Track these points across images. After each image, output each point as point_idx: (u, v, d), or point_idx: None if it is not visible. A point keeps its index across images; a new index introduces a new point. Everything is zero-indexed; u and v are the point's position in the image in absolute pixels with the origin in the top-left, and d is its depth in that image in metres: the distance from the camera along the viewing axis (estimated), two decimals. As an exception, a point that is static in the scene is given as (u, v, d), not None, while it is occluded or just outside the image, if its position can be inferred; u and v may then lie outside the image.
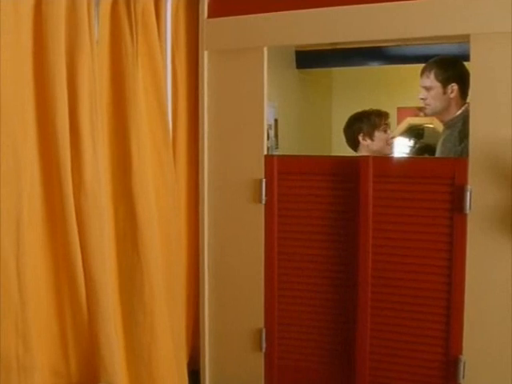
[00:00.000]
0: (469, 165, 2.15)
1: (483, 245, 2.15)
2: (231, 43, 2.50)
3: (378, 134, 2.93)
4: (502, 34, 2.08)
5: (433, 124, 3.58)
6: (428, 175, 2.24)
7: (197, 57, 2.54)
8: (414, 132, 3.84)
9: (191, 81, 2.57)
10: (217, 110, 2.54)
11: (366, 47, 3.01)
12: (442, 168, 2.22)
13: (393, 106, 3.48)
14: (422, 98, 2.63)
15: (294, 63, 3.28)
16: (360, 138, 2.92)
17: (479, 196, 2.15)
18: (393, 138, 2.98)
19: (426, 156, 3.48)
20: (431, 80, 2.57)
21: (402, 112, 3.59)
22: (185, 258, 2.59)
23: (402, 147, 3.92)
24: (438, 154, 2.64)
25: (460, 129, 2.45)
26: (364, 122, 2.93)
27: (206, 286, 2.63)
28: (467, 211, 2.16)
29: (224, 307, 2.61)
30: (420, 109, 3.59)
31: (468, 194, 2.15)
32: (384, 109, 3.00)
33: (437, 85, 2.57)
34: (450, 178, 2.19)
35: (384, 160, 2.47)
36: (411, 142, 3.98)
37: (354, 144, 2.96)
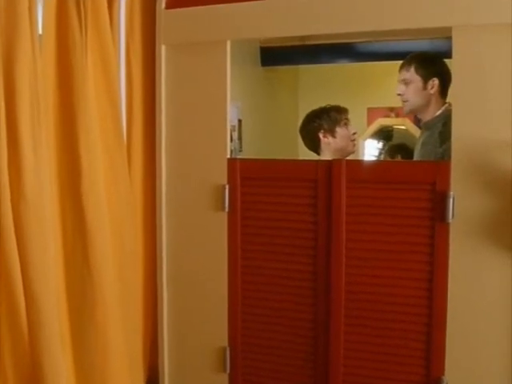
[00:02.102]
0: (451, 169, 2.02)
1: (467, 257, 2.03)
2: (191, 36, 2.35)
3: (339, 130, 2.82)
4: (486, 27, 1.96)
5: (405, 125, 3.51)
6: (407, 180, 2.11)
7: (153, 51, 2.41)
8: (383, 134, 3.76)
9: (147, 78, 2.44)
10: (175, 109, 2.41)
11: (335, 43, 3.00)
12: (421, 172, 2.10)
13: (363, 106, 3.51)
14: (400, 94, 2.53)
15: (259, 60, 3.22)
16: (321, 136, 2.82)
17: (463, 203, 2.02)
18: (355, 133, 2.86)
19: (399, 157, 3.40)
20: (411, 73, 2.49)
21: (373, 113, 3.60)
22: (141, 272, 2.46)
23: (371, 150, 3.82)
24: (416, 157, 2.54)
25: (440, 130, 2.37)
26: (323, 119, 2.83)
27: (165, 302, 2.49)
28: (449, 220, 2.03)
29: (184, 324, 2.48)
30: (391, 109, 3.56)
31: (450, 200, 2.02)
32: (353, 109, 2.92)
33: (417, 78, 2.48)
34: (430, 183, 2.06)
35: (358, 164, 2.37)
36: (380, 145, 3.89)
37: (313, 144, 2.86)
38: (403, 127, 3.55)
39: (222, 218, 2.35)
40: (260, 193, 2.32)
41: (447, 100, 2.46)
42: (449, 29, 2.00)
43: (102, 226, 2.10)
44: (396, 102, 3.33)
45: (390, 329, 2.16)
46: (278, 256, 2.31)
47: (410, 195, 2.10)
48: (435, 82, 2.44)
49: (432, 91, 2.45)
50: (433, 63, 2.49)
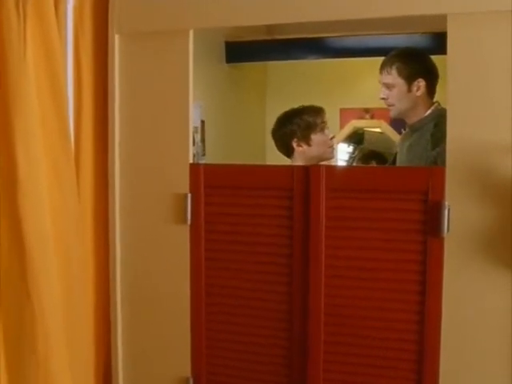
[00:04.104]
0: (446, 176, 1.87)
1: (464, 276, 1.89)
2: (149, 25, 2.20)
3: (314, 138, 2.62)
4: (484, 15, 1.82)
5: (381, 128, 3.44)
6: (395, 189, 1.96)
7: (106, 42, 2.27)
8: (354, 137, 3.72)
9: (99, 72, 2.29)
10: (130, 108, 2.27)
11: (307, 38, 2.97)
12: (412, 180, 1.94)
13: (335, 106, 3.52)
14: (384, 98, 2.40)
15: (224, 56, 3.19)
16: (294, 145, 2.62)
17: (459, 215, 1.87)
18: (333, 137, 2.69)
19: (374, 164, 3.33)
20: (393, 76, 2.36)
21: (346, 114, 3.60)
22: (91, 294, 2.29)
23: (341, 154, 3.75)
24: (401, 161, 2.41)
25: (432, 131, 2.27)
26: (296, 124, 2.62)
27: (119, 328, 2.33)
28: (444, 234, 1.88)
29: (142, 352, 2.31)
30: (366, 110, 3.49)
31: (445, 212, 1.87)
32: (326, 110, 2.72)
33: (400, 82, 2.36)
34: (422, 192, 1.90)
35: (340, 170, 2.23)
36: (350, 149, 3.82)
37: (286, 150, 2.67)
38: (378, 130, 3.49)
39: (184, 232, 2.20)
40: (227, 203, 2.18)
41: (435, 99, 2.38)
42: (443, 18, 1.86)
43: (44, 244, 1.94)
44: (371, 103, 3.37)
45: (376, 357, 2.01)
46: (248, 275, 2.16)
47: (398, 206, 1.96)
48: (421, 83, 2.32)
49: (418, 93, 2.34)
50: (416, 61, 2.37)
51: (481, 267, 1.87)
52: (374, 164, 3.40)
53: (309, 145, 2.61)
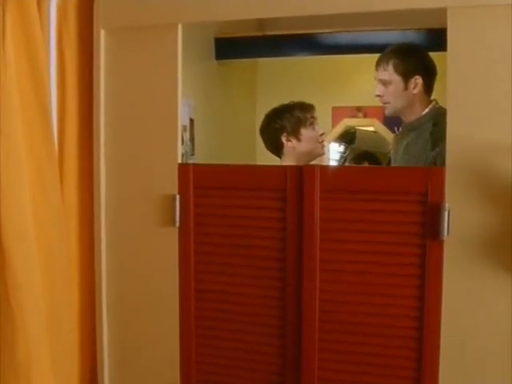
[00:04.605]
0: (446, 176, 1.81)
1: (464, 281, 1.82)
2: (136, 19, 2.13)
3: (305, 132, 2.57)
4: (486, 8, 1.76)
5: (374, 127, 3.41)
6: (393, 190, 1.88)
7: (91, 37, 2.21)
8: (346, 136, 3.69)
9: (84, 69, 2.24)
10: (116, 106, 2.20)
11: (298, 34, 2.93)
12: (410, 180, 1.87)
13: (327, 105, 3.48)
14: (379, 95, 2.33)
15: (213, 53, 3.14)
16: (283, 140, 2.57)
17: (459, 217, 1.80)
18: (323, 134, 2.64)
19: (366, 164, 3.30)
20: (389, 73, 2.29)
21: (338, 112, 3.54)
22: (76, 299, 2.25)
23: (333, 154, 3.71)
24: (398, 162, 2.34)
25: (431, 130, 2.20)
26: (286, 119, 2.58)
27: (105, 336, 2.27)
28: (444, 237, 1.82)
29: (128, 361, 2.25)
30: (359, 109, 3.45)
31: (445, 214, 1.80)
32: (317, 108, 2.69)
33: (396, 78, 2.28)
34: (421, 193, 1.83)
35: (335, 170, 2.14)
36: (341, 148, 3.78)
37: (275, 147, 2.62)
38: (371, 128, 3.44)
39: (172, 235, 2.14)
40: (217, 204, 2.11)
41: (433, 96, 2.31)
42: (441, 12, 1.79)
43: (25, 249, 1.89)
44: (364, 101, 3.32)
45: (374, 365, 1.94)
46: (239, 280, 2.09)
47: (396, 207, 1.89)
48: (418, 80, 2.25)
49: (415, 91, 2.27)
50: (414, 57, 2.30)
51: (482, 272, 1.81)
52: (366, 164, 3.35)
53: (299, 140, 2.56)
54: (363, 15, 1.96)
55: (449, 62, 1.81)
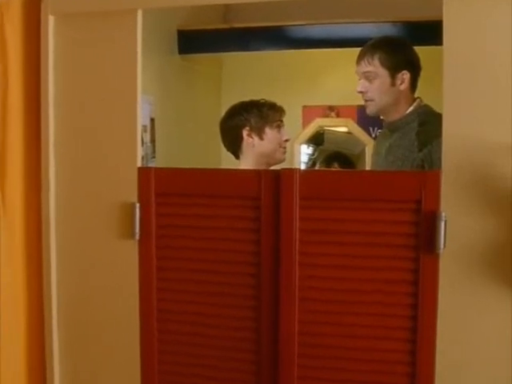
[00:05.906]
0: (442, 181, 1.69)
1: (462, 298, 1.72)
2: (89, 4, 1.99)
3: (269, 132, 2.47)
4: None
5: (347, 127, 3.38)
6: (382, 197, 1.76)
7: (38, 24, 2.06)
8: (315, 137, 3.70)
9: (29, 60, 2.10)
10: (68, 103, 2.07)
11: (266, 26, 2.87)
12: (402, 186, 1.75)
13: (297, 103, 3.42)
14: (362, 92, 2.24)
15: (176, 47, 3.07)
16: (244, 134, 2.45)
17: (457, 227, 1.69)
18: (287, 140, 2.52)
19: (336, 167, 3.25)
20: (375, 66, 2.21)
21: (309, 111, 3.49)
22: (23, 318, 2.13)
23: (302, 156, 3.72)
24: (380, 165, 2.26)
25: (417, 130, 2.13)
26: (253, 113, 2.48)
27: (56, 359, 2.12)
28: (440, 250, 1.70)
29: None
30: (331, 108, 3.41)
31: (442, 224, 1.68)
32: (286, 107, 2.60)
33: (383, 72, 2.19)
34: (414, 200, 1.72)
35: (316, 175, 2.01)
36: (310, 150, 3.78)
37: (233, 142, 2.51)
38: (344, 129, 3.39)
39: (132, 248, 2.01)
40: (182, 214, 1.99)
41: (416, 94, 2.25)
42: (437, 2, 1.69)
43: None
44: (337, 100, 3.26)
45: None
46: (208, 298, 1.96)
47: (386, 217, 1.77)
48: (405, 75, 2.19)
49: (402, 87, 2.19)
50: (400, 51, 2.24)
51: (482, 288, 1.70)
52: (336, 166, 3.27)
53: (261, 138, 2.46)
54: (337, 6, 1.84)
55: (445, 57, 1.71)
